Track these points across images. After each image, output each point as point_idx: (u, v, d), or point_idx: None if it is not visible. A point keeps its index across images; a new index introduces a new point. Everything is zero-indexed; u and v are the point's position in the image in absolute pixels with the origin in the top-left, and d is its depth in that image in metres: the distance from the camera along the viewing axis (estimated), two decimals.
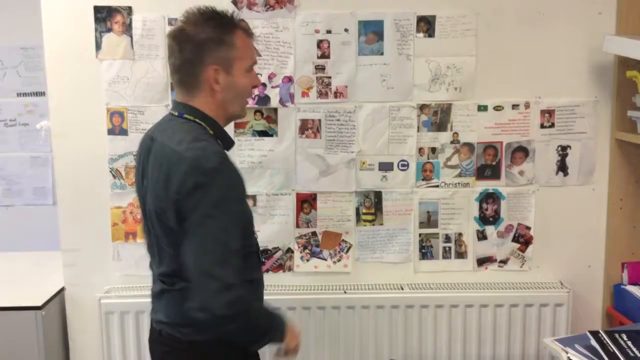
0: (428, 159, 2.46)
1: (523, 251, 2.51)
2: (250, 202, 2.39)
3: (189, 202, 1.50)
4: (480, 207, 2.50)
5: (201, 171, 1.49)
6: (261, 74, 2.35)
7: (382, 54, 2.39)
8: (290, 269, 2.51)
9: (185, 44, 1.58)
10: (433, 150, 2.46)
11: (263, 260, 1.95)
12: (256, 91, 2.38)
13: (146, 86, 2.40)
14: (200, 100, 1.62)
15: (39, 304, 2.36)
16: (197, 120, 1.61)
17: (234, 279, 1.49)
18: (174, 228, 1.55)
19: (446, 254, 2.52)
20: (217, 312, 1.47)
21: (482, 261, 2.52)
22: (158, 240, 1.64)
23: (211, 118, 1.63)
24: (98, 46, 2.39)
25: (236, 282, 1.49)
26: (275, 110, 2.42)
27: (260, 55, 2.35)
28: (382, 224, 2.49)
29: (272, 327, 1.66)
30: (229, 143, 1.69)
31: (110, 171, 2.45)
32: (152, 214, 1.61)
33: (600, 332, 1.91)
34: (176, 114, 1.64)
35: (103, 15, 2.37)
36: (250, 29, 1.69)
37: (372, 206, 2.49)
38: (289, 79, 2.41)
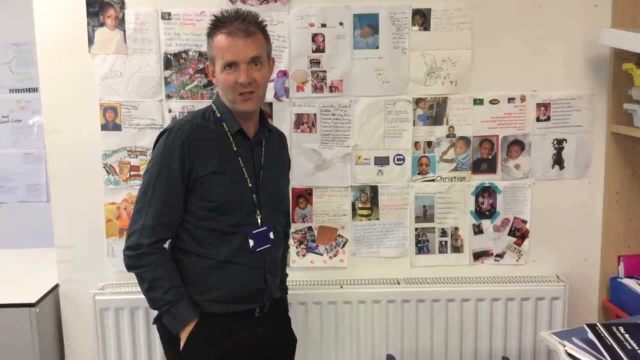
0: (424, 153, 2.46)
1: (519, 245, 2.51)
2: None
3: None
4: (477, 201, 2.49)
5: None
6: None
7: (377, 47, 2.38)
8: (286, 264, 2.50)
9: None
10: (429, 144, 2.45)
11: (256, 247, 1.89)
12: None
13: (140, 81, 2.38)
14: None
15: (33, 300, 2.34)
16: (213, 103, 1.90)
17: (135, 227, 1.78)
18: None
19: (442, 248, 2.51)
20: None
21: (478, 255, 2.52)
22: None
23: (222, 102, 1.86)
24: (91, 41, 2.36)
25: (136, 231, 1.77)
26: (270, 104, 2.40)
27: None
28: (378, 219, 2.48)
29: (161, 299, 1.79)
30: (232, 126, 1.85)
31: (104, 167, 2.43)
32: None
33: (598, 325, 1.90)
34: None
35: (95, 10, 2.35)
36: (242, 29, 1.76)
37: (368, 201, 2.48)
38: (284, 73, 2.39)
